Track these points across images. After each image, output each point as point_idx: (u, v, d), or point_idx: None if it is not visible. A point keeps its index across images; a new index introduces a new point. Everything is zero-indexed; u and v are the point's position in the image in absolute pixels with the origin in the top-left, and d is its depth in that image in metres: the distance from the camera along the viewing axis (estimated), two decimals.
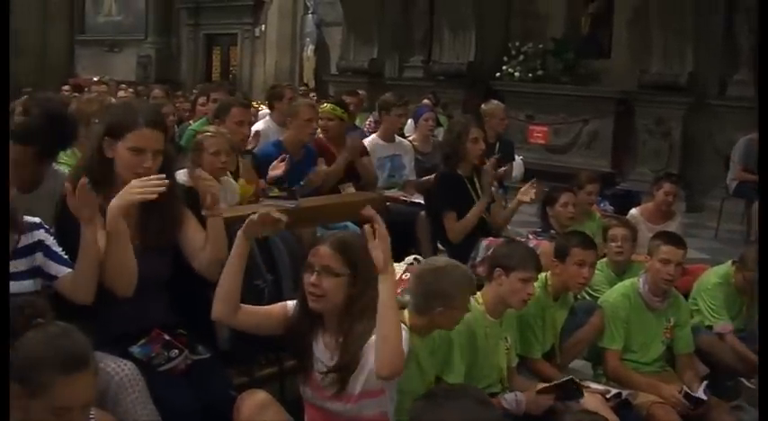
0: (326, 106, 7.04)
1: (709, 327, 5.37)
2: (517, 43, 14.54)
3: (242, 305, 3.48)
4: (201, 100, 8.58)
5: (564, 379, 4.30)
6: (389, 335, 3.14)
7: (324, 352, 3.40)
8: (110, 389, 3.24)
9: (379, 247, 3.20)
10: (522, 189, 6.27)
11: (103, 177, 3.57)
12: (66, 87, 13.21)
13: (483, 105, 9.01)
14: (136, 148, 3.55)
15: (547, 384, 4.31)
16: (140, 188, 3.42)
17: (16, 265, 3.38)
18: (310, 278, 3.35)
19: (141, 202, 3.52)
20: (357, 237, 3.57)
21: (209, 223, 3.70)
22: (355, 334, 3.32)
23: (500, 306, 4.30)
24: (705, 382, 4.76)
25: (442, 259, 4.15)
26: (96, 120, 5.32)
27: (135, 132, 3.56)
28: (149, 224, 3.64)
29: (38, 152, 4.16)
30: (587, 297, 5.44)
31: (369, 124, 10.51)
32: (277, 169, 5.72)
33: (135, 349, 3.50)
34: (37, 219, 3.51)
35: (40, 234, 3.47)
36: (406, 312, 3.76)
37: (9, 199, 2.89)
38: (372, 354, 3.24)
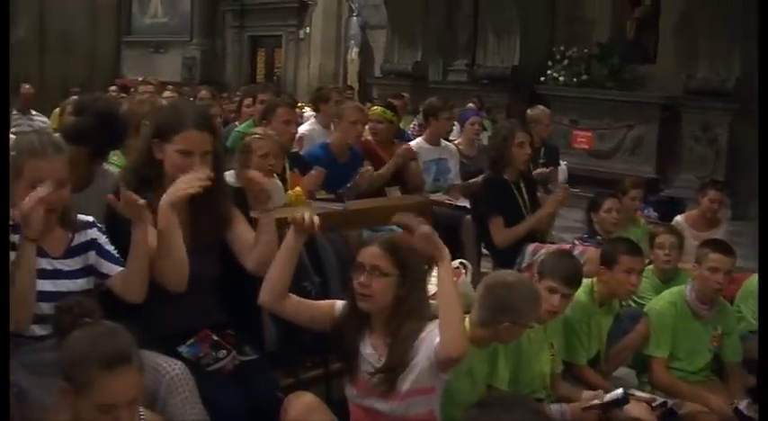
0: (377, 109, 7.06)
1: (753, 333, 5.32)
2: (562, 47, 14.47)
3: (290, 294, 3.50)
4: (247, 101, 8.61)
5: (613, 397, 4.26)
6: (453, 319, 3.17)
7: (371, 352, 3.41)
8: (160, 389, 3.26)
9: (422, 241, 3.22)
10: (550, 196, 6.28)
11: (153, 178, 3.61)
12: (113, 88, 13.34)
13: (528, 110, 8.97)
14: (184, 150, 3.58)
15: (594, 401, 4.27)
16: (187, 184, 3.45)
17: (70, 264, 3.42)
18: (359, 278, 3.36)
19: (191, 202, 3.55)
20: (408, 238, 3.59)
21: (260, 221, 3.71)
22: (403, 335, 3.33)
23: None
24: (747, 400, 4.68)
25: (513, 274, 4.11)
26: (147, 122, 5.38)
27: (183, 134, 3.59)
28: (199, 224, 3.66)
29: (90, 152, 4.22)
30: (632, 304, 5.40)
31: (413, 128, 10.52)
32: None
33: (183, 349, 3.52)
34: (90, 218, 3.55)
35: (94, 232, 3.51)
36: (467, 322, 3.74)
37: (9, 199, 2.90)
38: (422, 352, 3.26)
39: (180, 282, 3.52)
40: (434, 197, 6.72)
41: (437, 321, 3.28)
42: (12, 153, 3.36)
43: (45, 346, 3.28)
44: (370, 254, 3.38)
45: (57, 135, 4.08)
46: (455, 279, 4.47)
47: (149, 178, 3.62)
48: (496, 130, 6.69)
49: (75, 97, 9.24)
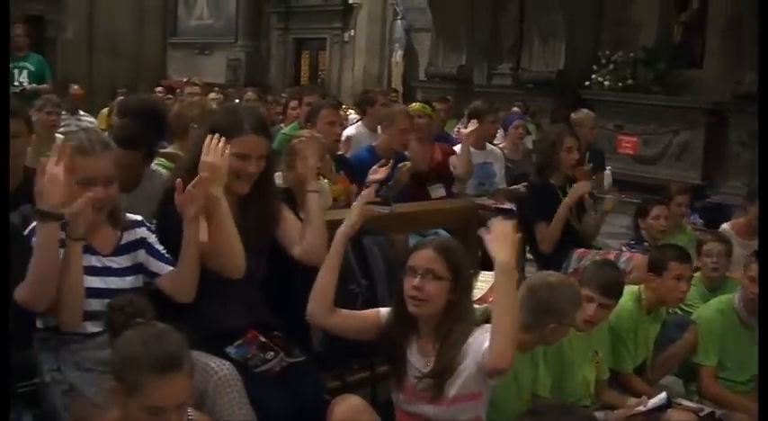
0: (416, 105, 7.08)
1: None
2: (607, 52, 14.36)
3: (337, 309, 3.51)
4: (293, 104, 8.64)
5: (657, 403, 4.22)
6: (507, 329, 3.12)
7: (418, 358, 3.40)
8: (208, 389, 3.28)
9: (497, 241, 3.17)
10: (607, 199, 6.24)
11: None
12: (159, 89, 13.45)
13: (573, 114, 8.93)
14: (241, 154, 3.60)
15: (639, 408, 4.24)
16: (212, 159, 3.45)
17: (119, 261, 3.45)
18: (413, 281, 3.33)
19: (240, 203, 3.58)
20: (458, 243, 3.58)
21: (308, 206, 3.77)
22: (452, 340, 3.31)
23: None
24: None
25: (554, 274, 4.09)
26: (195, 126, 5.42)
27: (241, 138, 3.61)
28: (248, 224, 3.67)
29: (141, 154, 4.28)
30: (679, 312, 5.36)
31: (457, 131, 10.49)
32: (378, 173, 5.72)
33: (231, 349, 3.53)
34: (139, 217, 3.58)
35: (143, 231, 3.54)
36: None
37: (8, 199, 2.92)
38: (470, 357, 3.24)
39: (237, 268, 3.54)
40: (479, 201, 6.70)
41: (484, 326, 3.27)
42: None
43: (95, 344, 3.32)
44: (425, 257, 3.35)
45: (105, 134, 4.11)
46: (490, 300, 4.51)
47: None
48: (544, 135, 6.65)
49: (121, 98, 9.36)
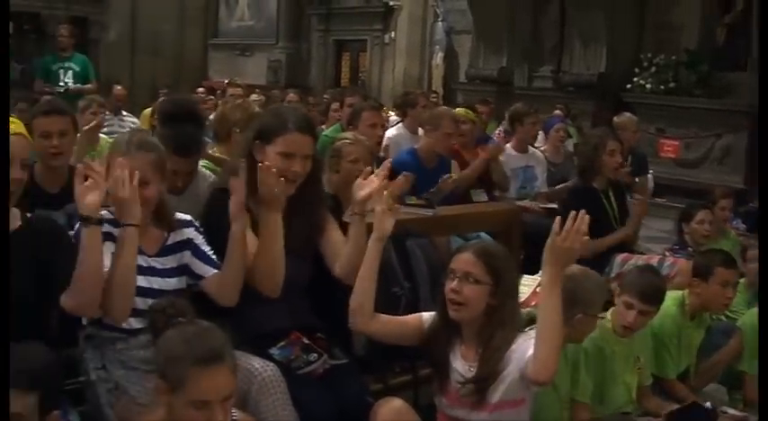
0: (460, 110, 7.07)
1: None
2: (649, 54, 14.25)
3: (378, 314, 3.50)
4: (334, 105, 8.66)
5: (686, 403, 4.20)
6: (551, 340, 3.09)
7: (461, 363, 3.38)
8: (252, 389, 3.30)
9: (570, 239, 3.09)
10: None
11: (253, 181, 3.64)
12: (201, 90, 13.54)
13: (615, 117, 8.87)
14: (285, 153, 3.60)
15: (674, 406, 4.22)
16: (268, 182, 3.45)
17: (164, 262, 3.47)
18: (451, 284, 3.33)
19: (286, 207, 3.58)
20: (500, 247, 3.56)
21: (352, 228, 3.71)
22: (495, 345, 3.29)
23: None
24: None
25: (577, 266, 4.06)
26: (237, 130, 5.44)
27: (285, 137, 3.61)
28: (294, 227, 3.67)
29: (196, 160, 4.32)
30: (724, 318, 5.30)
31: (498, 133, 10.47)
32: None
33: (274, 351, 3.55)
34: (188, 217, 3.59)
35: (190, 232, 3.55)
36: None
37: (9, 199, 2.93)
38: (513, 363, 3.22)
39: (276, 288, 3.56)
40: (522, 204, 6.69)
41: (529, 332, 3.25)
42: (108, 152, 3.47)
43: (139, 343, 3.35)
44: (464, 260, 3.35)
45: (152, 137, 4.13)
46: (532, 304, 4.49)
47: (248, 182, 3.65)
48: (586, 138, 6.63)
49: (162, 99, 9.42)
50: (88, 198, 3.10)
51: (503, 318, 3.31)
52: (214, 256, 3.53)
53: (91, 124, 6.13)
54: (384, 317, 3.53)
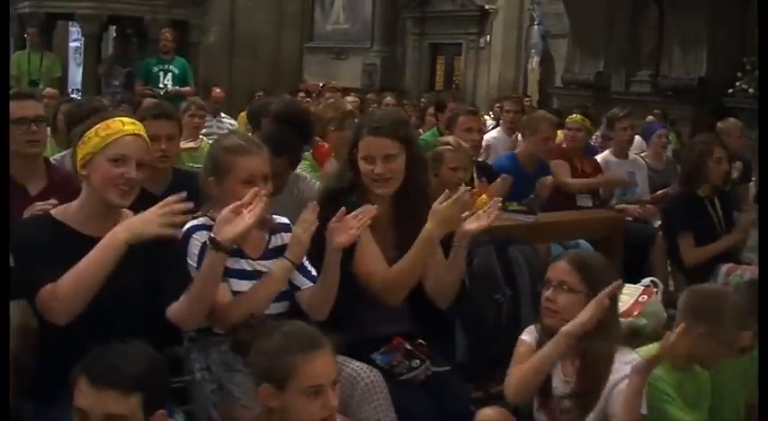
0: (576, 117, 7.02)
1: None
2: (753, 58, 13.92)
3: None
4: (431, 110, 8.65)
5: None
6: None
7: (560, 376, 3.34)
8: (354, 394, 3.30)
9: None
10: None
11: (352, 185, 3.64)
12: (301, 93, 13.65)
13: (719, 123, 8.67)
14: (366, 157, 3.63)
15: None
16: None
17: (267, 265, 3.44)
18: (546, 293, 3.32)
19: (396, 215, 3.58)
20: (599, 256, 3.50)
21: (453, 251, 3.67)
22: (591, 357, 3.23)
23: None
24: None
25: (720, 286, 3.86)
26: (332, 128, 5.47)
27: (362, 141, 3.66)
28: (401, 231, 3.68)
29: (291, 161, 4.33)
30: None
31: (596, 138, 10.34)
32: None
33: (377, 356, 3.54)
34: (287, 221, 3.58)
35: (289, 237, 3.52)
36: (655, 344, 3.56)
37: (8, 199, 2.93)
38: (609, 387, 3.17)
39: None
40: (620, 207, 6.63)
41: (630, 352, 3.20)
42: (216, 152, 3.47)
43: None
44: (559, 269, 3.34)
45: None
46: (645, 298, 4.39)
47: (348, 187, 3.67)
48: (691, 145, 6.46)
49: (266, 101, 9.51)
50: (233, 230, 3.10)
51: (598, 329, 3.23)
52: (311, 268, 3.50)
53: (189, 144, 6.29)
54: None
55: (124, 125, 3.15)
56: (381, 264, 3.60)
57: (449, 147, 5.01)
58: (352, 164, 3.71)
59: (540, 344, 3.35)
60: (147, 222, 2.96)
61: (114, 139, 3.10)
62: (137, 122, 3.25)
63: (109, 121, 3.16)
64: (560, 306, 3.27)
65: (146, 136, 3.23)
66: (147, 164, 3.21)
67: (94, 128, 3.14)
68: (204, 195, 3.46)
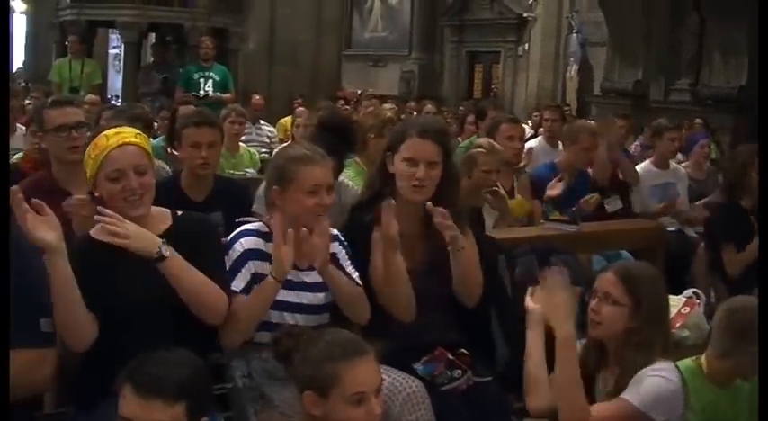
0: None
1: None
2: None
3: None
4: (470, 118, 8.64)
5: None
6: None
7: (602, 386, 3.31)
8: (396, 404, 3.28)
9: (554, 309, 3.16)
10: None
11: (385, 192, 3.63)
12: (341, 101, 13.68)
13: None
14: (408, 159, 3.59)
15: None
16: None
17: (313, 276, 3.43)
18: (592, 303, 3.30)
19: (424, 227, 3.57)
20: (649, 269, 3.46)
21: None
22: (628, 370, 3.20)
23: None
24: None
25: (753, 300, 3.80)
26: (372, 135, 5.48)
27: (407, 143, 3.61)
28: (434, 240, 3.64)
29: (334, 168, 4.33)
30: None
31: (635, 147, 10.28)
32: (555, 189, 5.65)
33: (418, 366, 3.52)
34: (334, 231, 3.56)
35: (335, 246, 3.51)
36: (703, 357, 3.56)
37: (8, 199, 2.95)
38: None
39: (408, 316, 3.53)
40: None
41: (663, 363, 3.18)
42: (281, 161, 3.49)
43: None
44: (605, 280, 3.31)
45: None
46: (687, 309, 4.35)
47: (381, 193, 3.65)
48: (734, 155, 6.40)
49: (302, 109, 9.55)
50: (282, 265, 3.21)
51: (640, 342, 3.20)
52: (355, 274, 3.51)
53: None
54: None
55: (109, 139, 3.13)
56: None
57: (482, 149, 5.01)
58: (383, 169, 3.70)
59: (585, 354, 3.34)
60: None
61: (105, 157, 3.09)
62: (121, 130, 3.21)
63: (96, 140, 3.16)
64: (603, 317, 3.25)
65: (133, 136, 3.18)
66: (146, 164, 3.17)
67: (87, 149, 3.17)
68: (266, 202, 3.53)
